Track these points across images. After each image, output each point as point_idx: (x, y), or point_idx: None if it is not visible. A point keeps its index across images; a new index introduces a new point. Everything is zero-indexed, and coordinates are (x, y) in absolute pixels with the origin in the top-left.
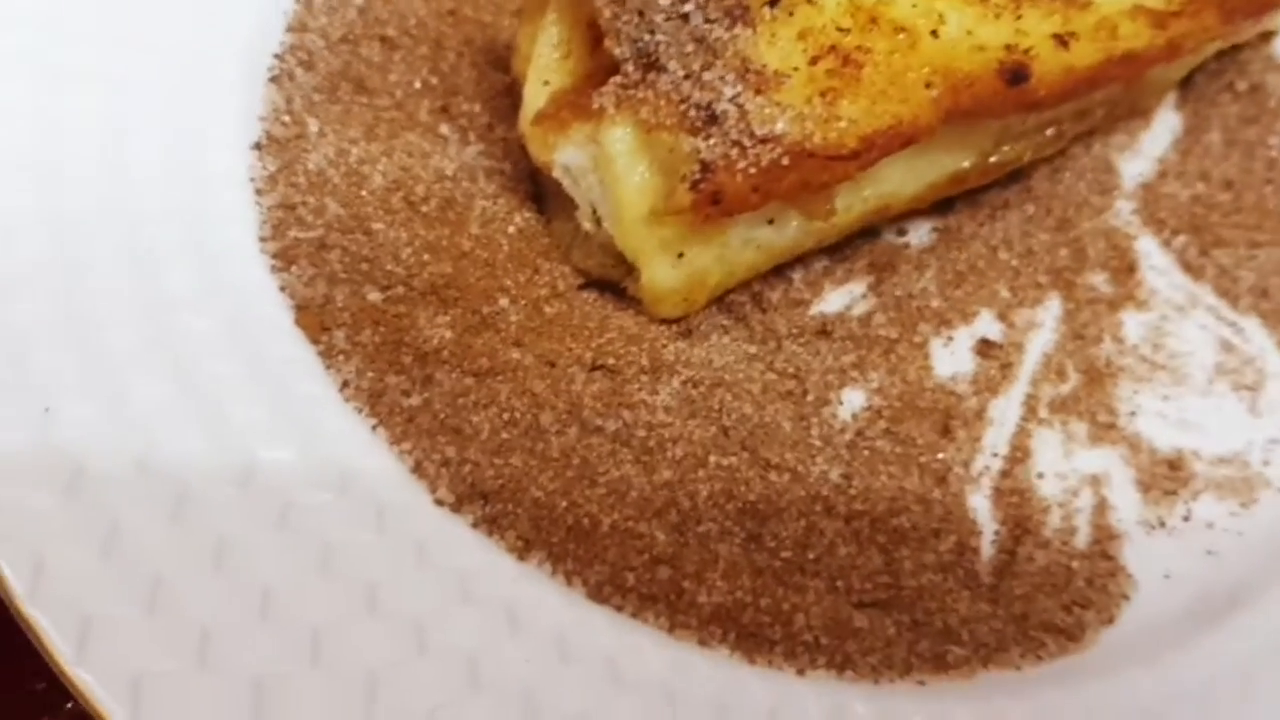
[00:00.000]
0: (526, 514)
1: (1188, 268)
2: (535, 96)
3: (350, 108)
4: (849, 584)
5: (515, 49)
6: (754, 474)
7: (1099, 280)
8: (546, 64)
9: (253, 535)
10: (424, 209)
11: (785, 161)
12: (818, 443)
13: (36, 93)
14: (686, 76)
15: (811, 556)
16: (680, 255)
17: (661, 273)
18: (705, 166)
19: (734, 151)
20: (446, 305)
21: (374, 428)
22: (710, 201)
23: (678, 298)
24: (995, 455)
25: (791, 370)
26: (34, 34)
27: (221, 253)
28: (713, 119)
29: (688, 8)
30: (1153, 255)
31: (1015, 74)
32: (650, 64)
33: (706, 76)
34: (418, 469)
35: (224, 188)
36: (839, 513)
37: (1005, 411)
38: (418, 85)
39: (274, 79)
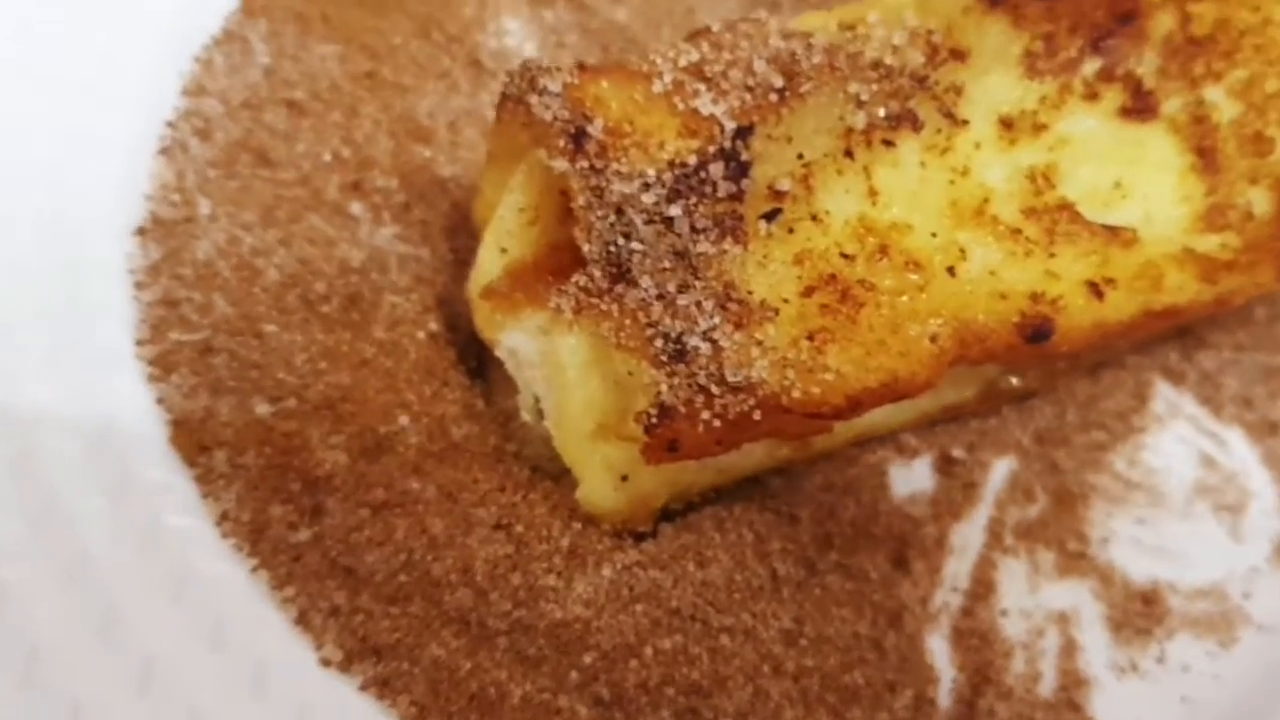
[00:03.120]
0: (424, 675)
1: (1168, 373)
2: (489, 263)
3: (249, 184)
4: None
5: (479, 190)
6: (701, 648)
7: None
8: (507, 229)
9: (112, 697)
10: (323, 309)
11: (757, 415)
12: (768, 587)
13: None
14: (659, 296)
15: None
16: (625, 478)
17: (602, 492)
18: (664, 410)
19: (699, 398)
20: (342, 422)
21: (254, 569)
22: (665, 447)
23: (619, 518)
24: (955, 590)
25: None
26: None
27: (92, 357)
28: (681, 354)
29: (674, 210)
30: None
31: (1037, 332)
32: (620, 274)
33: (681, 300)
34: (302, 620)
35: (99, 279)
36: (787, 670)
37: (968, 538)
38: (327, 157)
39: (164, 150)
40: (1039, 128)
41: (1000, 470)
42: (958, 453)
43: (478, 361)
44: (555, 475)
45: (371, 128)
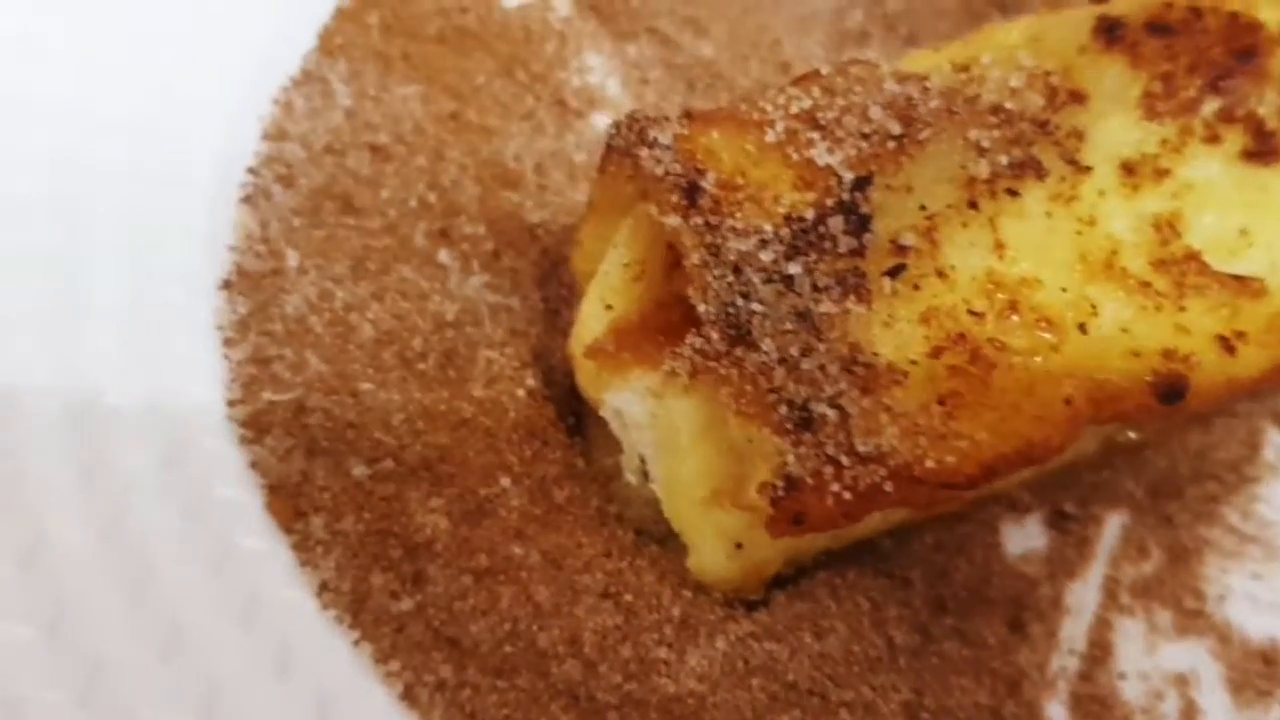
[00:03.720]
0: None
1: (1279, 420)
2: (593, 320)
3: (335, 233)
4: None
5: (578, 242)
6: None
7: None
8: (612, 284)
9: None
10: (420, 366)
11: (888, 486)
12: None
13: None
14: (781, 360)
15: None
16: (739, 546)
17: (715, 560)
18: (791, 483)
19: (828, 469)
20: (441, 485)
21: (356, 642)
22: (790, 520)
23: (730, 586)
24: (1072, 653)
25: None
26: None
27: (182, 420)
28: (807, 422)
29: (794, 268)
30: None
31: (1171, 391)
32: (739, 336)
33: (805, 364)
34: (408, 695)
35: (186, 335)
36: None
37: (1082, 598)
38: (413, 203)
39: (247, 198)
40: (1161, 173)
41: (1113, 525)
42: (1070, 508)
43: (575, 418)
44: (660, 538)
45: (457, 172)
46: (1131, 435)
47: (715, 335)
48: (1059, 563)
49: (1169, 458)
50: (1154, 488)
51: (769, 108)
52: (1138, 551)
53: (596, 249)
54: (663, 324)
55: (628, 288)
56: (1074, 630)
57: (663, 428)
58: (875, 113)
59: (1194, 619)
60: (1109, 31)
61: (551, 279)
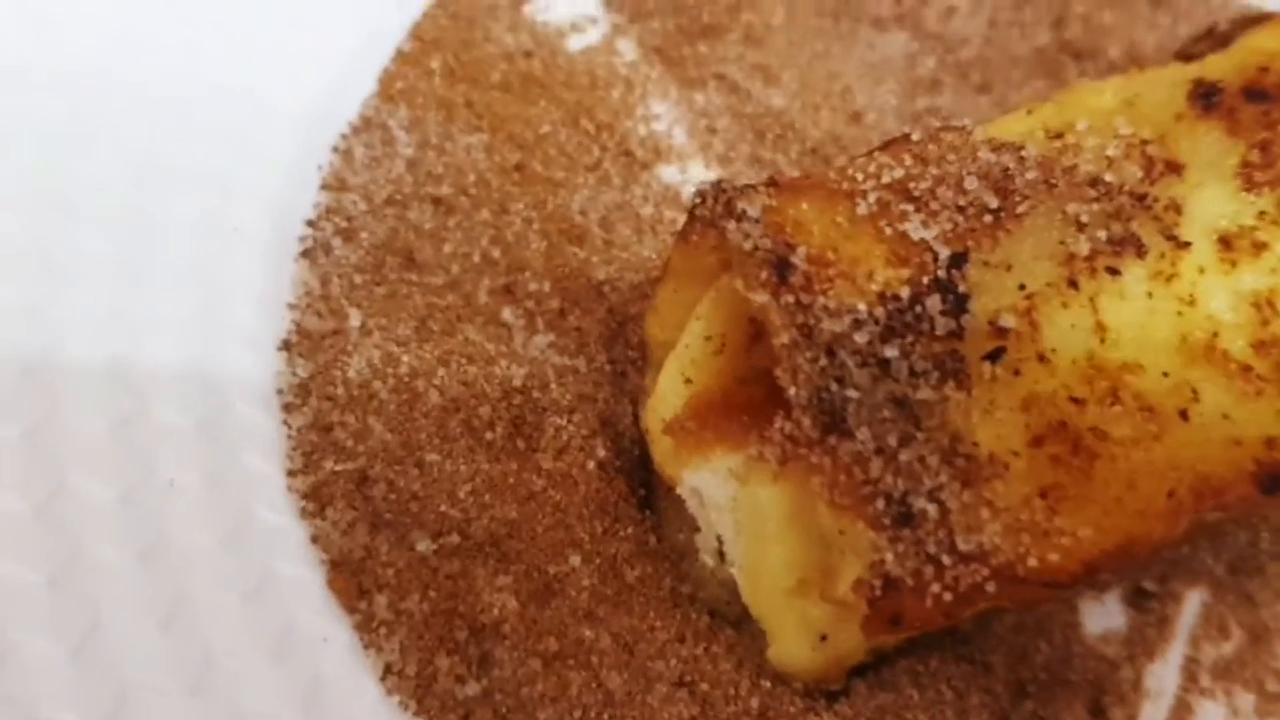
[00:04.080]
0: None
1: None
2: (672, 394)
3: (397, 290)
4: None
5: (654, 308)
6: None
7: None
8: (693, 358)
9: None
10: (488, 436)
11: (990, 586)
12: None
13: (32, 286)
14: (878, 450)
15: None
16: (824, 638)
17: (798, 652)
18: (890, 582)
19: (928, 569)
20: (508, 561)
21: None
22: (888, 620)
23: (810, 676)
24: None
25: None
26: (30, 210)
27: (241, 489)
28: (907, 518)
29: (889, 351)
30: None
31: (1274, 482)
32: (833, 423)
33: (903, 455)
34: None
35: (245, 399)
36: None
37: (1163, 680)
38: (477, 258)
39: (306, 253)
40: (1259, 246)
41: (1193, 603)
42: (1149, 585)
43: (645, 489)
44: (735, 621)
45: (522, 226)
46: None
47: (807, 422)
48: (1139, 643)
49: (1250, 533)
50: (1234, 565)
51: (859, 176)
52: (1218, 631)
53: (673, 316)
54: (745, 401)
55: (708, 361)
56: (1154, 714)
57: (746, 512)
58: (970, 184)
59: (1275, 703)
60: (1205, 98)
61: (619, 339)
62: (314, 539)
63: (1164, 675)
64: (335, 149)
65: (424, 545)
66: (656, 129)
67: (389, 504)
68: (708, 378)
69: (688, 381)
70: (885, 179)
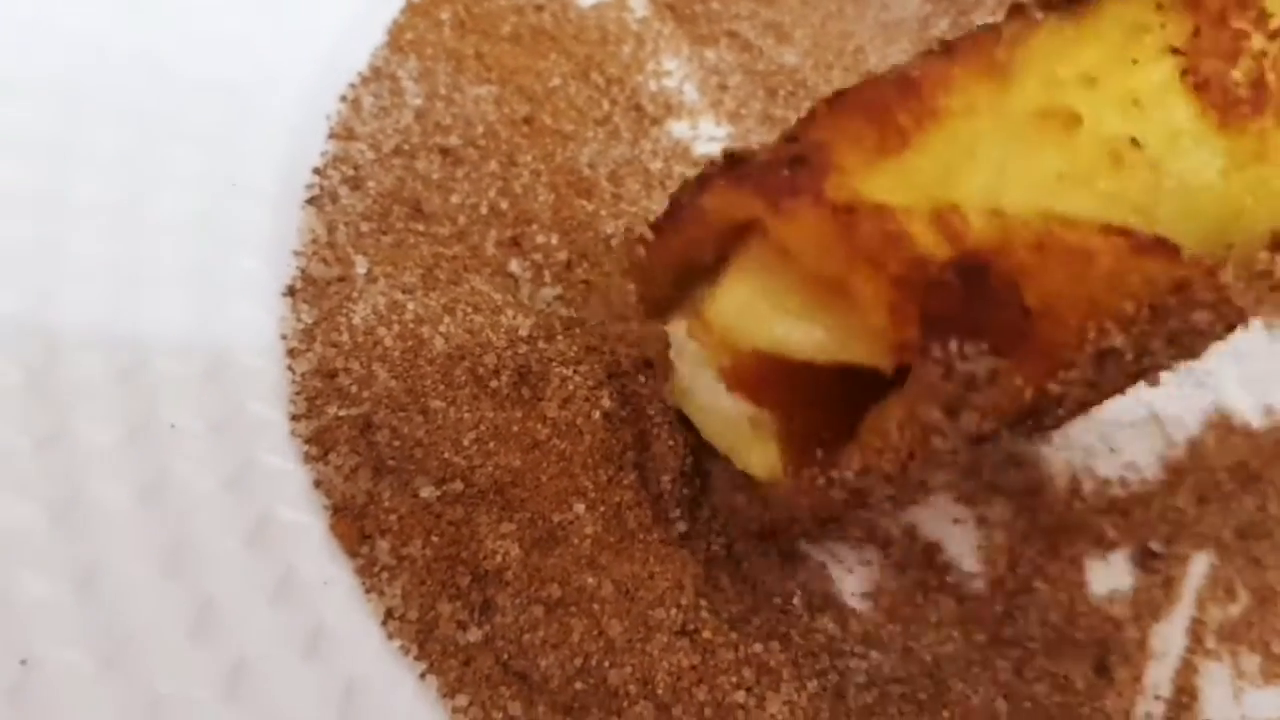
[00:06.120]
0: None
1: None
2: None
3: (404, 239)
4: None
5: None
6: None
7: None
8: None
9: None
10: (493, 384)
11: None
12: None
13: (33, 233)
14: None
15: None
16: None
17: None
18: None
19: None
20: (512, 509)
21: (423, 674)
22: None
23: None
24: (1158, 698)
25: None
26: (32, 161)
27: (244, 434)
28: None
29: None
30: None
31: None
32: None
33: None
34: None
35: (248, 345)
36: None
37: (1169, 640)
38: (484, 210)
39: (313, 200)
40: None
41: (1200, 565)
42: (1156, 546)
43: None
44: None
45: (530, 178)
46: None
47: None
48: (1144, 604)
49: (1258, 497)
50: (1242, 529)
51: None
52: (1225, 593)
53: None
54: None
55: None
56: (1159, 675)
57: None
58: None
59: None
60: None
61: (625, 292)
62: (316, 484)
63: (1169, 636)
64: (344, 99)
65: (427, 492)
66: (667, 85)
67: (392, 450)
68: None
69: None
70: None
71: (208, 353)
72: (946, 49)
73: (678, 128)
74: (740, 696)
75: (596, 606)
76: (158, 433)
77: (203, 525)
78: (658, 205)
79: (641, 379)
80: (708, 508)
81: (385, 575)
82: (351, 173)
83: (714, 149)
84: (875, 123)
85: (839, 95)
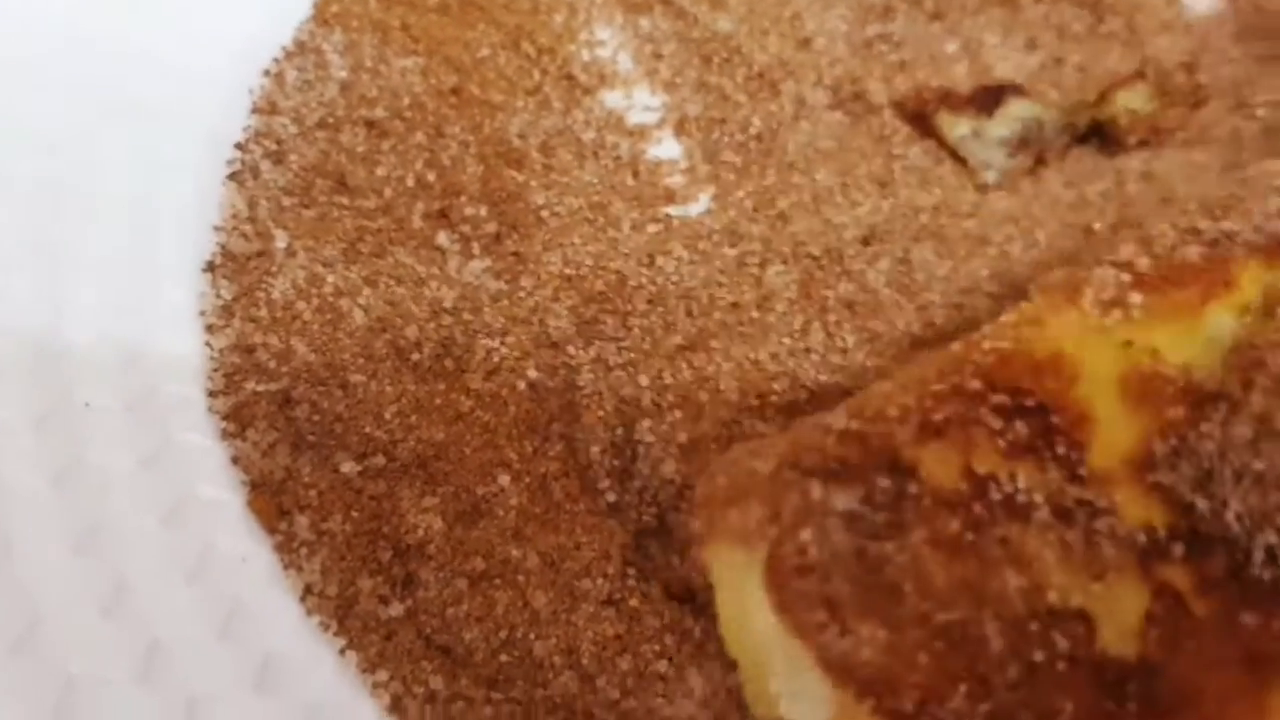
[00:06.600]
0: None
1: None
2: None
3: (327, 213)
4: None
5: None
6: None
7: None
8: None
9: None
10: (414, 356)
11: None
12: None
13: None
14: None
15: None
16: None
17: None
18: None
19: None
20: (435, 483)
21: (342, 650)
22: None
23: None
24: None
25: None
26: None
27: (161, 411)
28: None
29: None
30: None
31: None
32: None
33: None
34: (396, 707)
35: (166, 322)
36: None
37: None
38: (411, 182)
39: (234, 175)
40: None
41: None
42: None
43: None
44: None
45: (458, 150)
46: None
47: None
48: None
49: None
50: None
51: None
52: None
53: None
54: None
55: None
56: None
57: None
58: None
59: None
60: None
61: (555, 263)
62: (234, 460)
63: None
64: (267, 73)
65: (348, 467)
66: (601, 54)
67: (312, 425)
68: None
69: None
70: None
71: (124, 331)
72: None
73: (611, 97)
74: (662, 666)
75: (521, 578)
76: (73, 411)
77: (118, 503)
78: (590, 175)
79: (572, 350)
80: (639, 479)
81: (304, 551)
82: (274, 147)
83: (649, 118)
84: None
85: None
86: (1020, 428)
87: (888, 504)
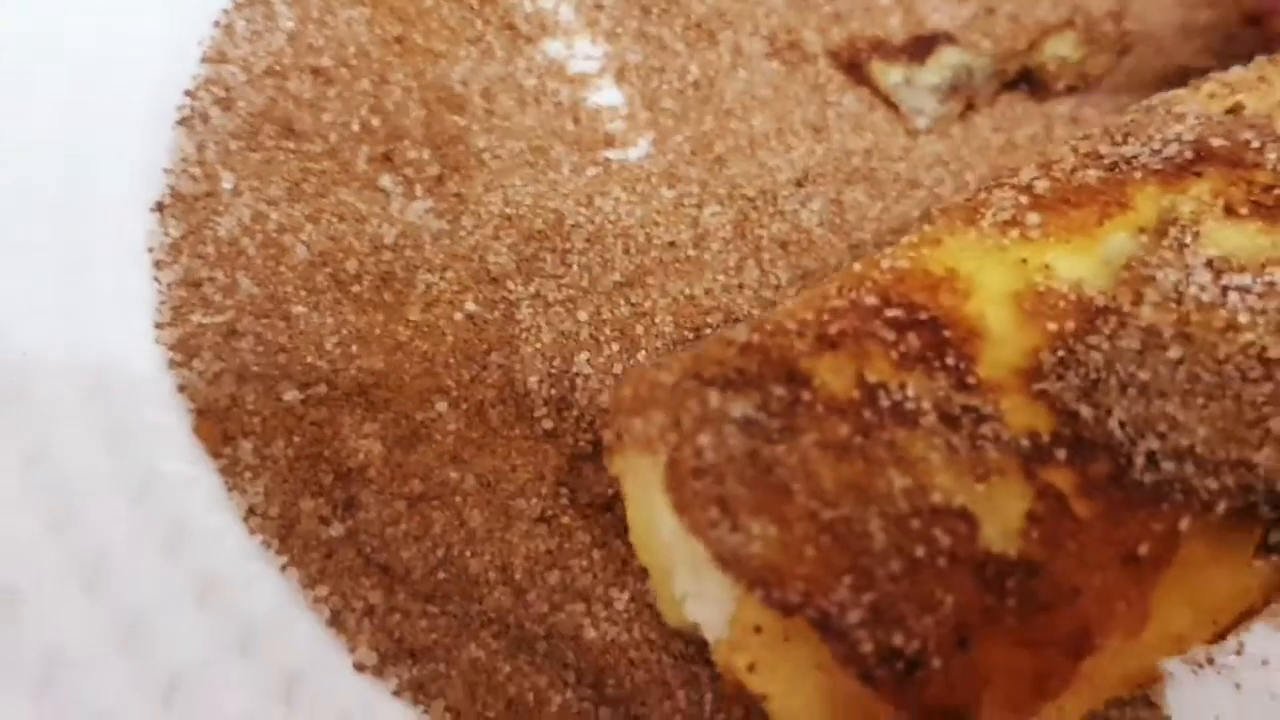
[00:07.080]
0: (461, 679)
1: None
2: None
3: (273, 156)
4: None
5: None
6: None
7: None
8: None
9: (136, 710)
10: (355, 289)
11: None
12: None
13: None
14: None
15: None
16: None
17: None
18: None
19: None
20: (375, 409)
21: (284, 567)
22: None
23: None
24: None
25: None
26: None
27: (109, 342)
28: None
29: None
30: None
31: None
32: None
33: None
34: (335, 621)
35: (115, 258)
36: None
37: None
38: (356, 127)
39: (184, 121)
40: None
41: None
42: None
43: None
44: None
45: (402, 96)
46: None
47: None
48: None
49: None
50: None
51: None
52: None
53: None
54: None
55: None
56: None
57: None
58: None
59: None
60: None
61: (496, 204)
62: (181, 388)
63: None
64: (216, 24)
65: (291, 395)
66: (543, 5)
67: (256, 356)
68: None
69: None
70: None
71: (74, 265)
72: None
73: (553, 46)
74: (588, 580)
75: (458, 499)
76: (19, 338)
77: (63, 427)
78: (531, 120)
79: (511, 285)
80: (576, 408)
81: (248, 475)
82: (223, 94)
83: (589, 67)
84: None
85: None
86: (912, 339)
87: (782, 411)
